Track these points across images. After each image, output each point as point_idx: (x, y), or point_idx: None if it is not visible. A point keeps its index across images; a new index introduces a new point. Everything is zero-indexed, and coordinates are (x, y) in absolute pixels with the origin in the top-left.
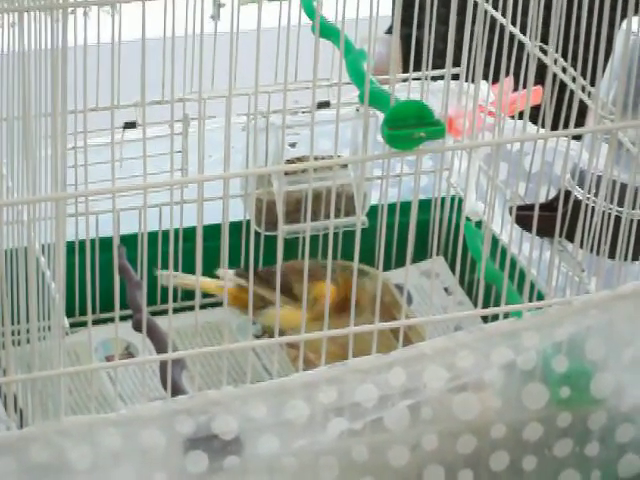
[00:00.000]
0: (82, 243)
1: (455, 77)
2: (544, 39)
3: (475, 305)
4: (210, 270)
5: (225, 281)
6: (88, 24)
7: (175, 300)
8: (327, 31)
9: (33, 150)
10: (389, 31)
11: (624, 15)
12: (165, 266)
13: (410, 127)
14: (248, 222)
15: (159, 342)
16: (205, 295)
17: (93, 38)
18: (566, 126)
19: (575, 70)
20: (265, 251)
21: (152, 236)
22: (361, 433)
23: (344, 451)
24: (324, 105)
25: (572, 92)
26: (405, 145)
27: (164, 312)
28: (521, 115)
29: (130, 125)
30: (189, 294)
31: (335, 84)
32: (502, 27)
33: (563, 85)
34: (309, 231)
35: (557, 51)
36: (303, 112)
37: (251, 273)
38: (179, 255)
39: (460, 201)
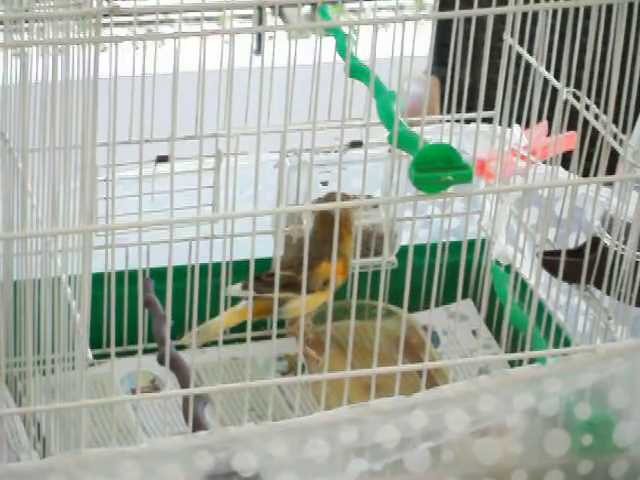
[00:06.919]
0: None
1: (490, 120)
2: (578, 84)
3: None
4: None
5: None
6: (126, 55)
7: None
8: (359, 71)
9: (63, 182)
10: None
11: None
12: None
13: (438, 170)
14: None
15: (183, 376)
16: (233, 330)
17: (128, 69)
18: (597, 173)
19: (607, 117)
20: None
21: (181, 270)
22: (381, 474)
23: None
24: (357, 145)
25: (603, 139)
26: (432, 188)
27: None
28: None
29: (163, 159)
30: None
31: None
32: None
33: (596, 131)
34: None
35: (590, 97)
36: (335, 151)
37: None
38: (207, 290)
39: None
